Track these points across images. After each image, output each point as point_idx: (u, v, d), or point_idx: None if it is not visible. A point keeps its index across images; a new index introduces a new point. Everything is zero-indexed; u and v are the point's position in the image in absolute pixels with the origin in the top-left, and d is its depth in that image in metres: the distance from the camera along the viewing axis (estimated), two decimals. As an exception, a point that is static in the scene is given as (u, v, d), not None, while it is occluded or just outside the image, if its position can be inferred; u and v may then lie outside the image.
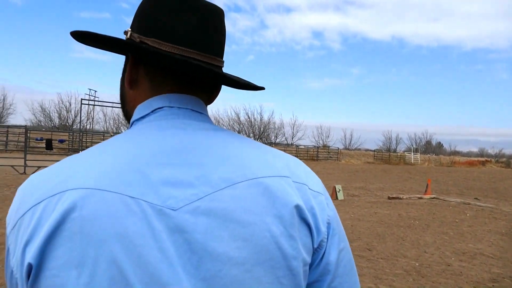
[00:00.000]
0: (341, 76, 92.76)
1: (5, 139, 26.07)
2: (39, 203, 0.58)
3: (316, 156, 41.20)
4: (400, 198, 12.79)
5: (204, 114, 0.75)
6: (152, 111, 0.71)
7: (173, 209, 0.58)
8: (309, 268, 0.67)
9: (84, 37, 0.71)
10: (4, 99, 48.77)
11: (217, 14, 0.74)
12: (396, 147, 74.18)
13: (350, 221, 8.48)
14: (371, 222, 8.55)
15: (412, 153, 50.51)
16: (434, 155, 62.21)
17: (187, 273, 0.56)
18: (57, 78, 76.87)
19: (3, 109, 48.98)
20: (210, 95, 0.79)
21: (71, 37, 0.72)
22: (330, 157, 42.46)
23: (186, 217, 0.58)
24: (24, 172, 14.48)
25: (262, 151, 0.71)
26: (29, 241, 0.56)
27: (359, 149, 66.70)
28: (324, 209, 0.69)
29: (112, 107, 18.76)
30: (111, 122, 52.54)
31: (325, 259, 0.68)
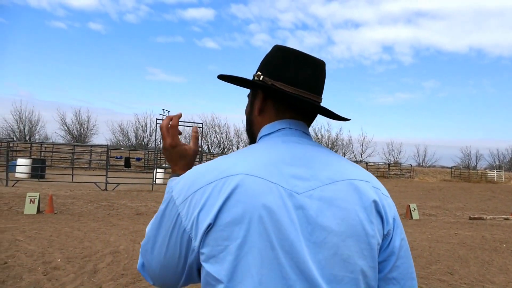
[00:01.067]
0: (413, 90, 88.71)
1: (88, 157, 28.32)
2: (210, 183, 0.86)
3: (387, 173, 39.50)
4: (483, 219, 11.76)
5: (309, 135, 1.05)
6: (277, 130, 1.01)
7: (297, 193, 0.86)
8: (380, 249, 0.91)
9: (228, 79, 1.05)
10: (88, 120, 53.08)
11: (322, 66, 1.05)
12: (476, 164, 68.61)
13: (427, 242, 7.95)
14: (451, 244, 7.93)
15: (495, 170, 46.34)
16: (521, 172, 56.55)
17: (304, 237, 0.83)
18: (134, 100, 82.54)
19: (87, 129, 53.33)
20: (311, 121, 1.10)
21: (218, 79, 1.06)
22: (402, 174, 40.46)
23: (305, 199, 0.86)
24: (106, 189, 15.55)
25: (349, 162, 1.00)
26: (202, 209, 0.84)
27: (434, 166, 62.72)
28: (391, 208, 0.95)
29: (184, 126, 19.60)
30: (182, 141, 54.98)
31: (392, 244, 0.92)
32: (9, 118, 47.41)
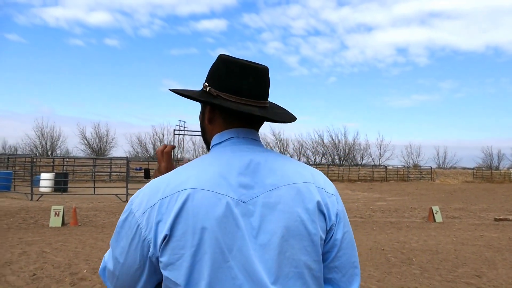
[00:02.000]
0: (430, 92, 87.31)
1: (109, 170, 28.78)
2: (165, 197, 0.94)
3: (407, 176, 38.88)
4: (509, 220, 11.46)
5: (258, 140, 1.12)
6: (226, 139, 1.08)
7: (243, 201, 0.95)
8: (324, 243, 1.02)
9: (179, 93, 1.11)
10: (107, 134, 54.09)
11: (265, 72, 1.10)
12: (499, 164, 66.93)
13: (452, 245, 7.79)
14: (477, 246, 7.76)
15: (519, 169, 45.21)
16: (546, 171, 54.89)
17: (250, 241, 0.93)
18: (151, 112, 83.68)
19: (106, 143, 54.29)
20: (259, 127, 1.16)
21: (170, 91, 1.14)
22: (422, 177, 39.75)
23: (250, 207, 0.95)
24: (126, 200, 15.76)
25: (295, 165, 1.08)
26: (160, 221, 0.93)
27: (455, 168, 61.47)
28: (334, 205, 1.05)
29: (200, 136, 19.75)
30: (199, 150, 55.32)
31: (334, 237, 1.03)
32: (31, 135, 48.75)
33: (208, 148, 1.16)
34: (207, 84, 1.09)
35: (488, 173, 42.11)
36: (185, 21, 78.40)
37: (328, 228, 1.02)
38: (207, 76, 1.12)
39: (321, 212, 1.00)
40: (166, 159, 1.30)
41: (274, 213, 0.96)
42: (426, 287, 5.09)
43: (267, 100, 1.13)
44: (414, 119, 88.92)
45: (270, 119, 1.10)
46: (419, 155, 62.42)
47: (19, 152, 46.93)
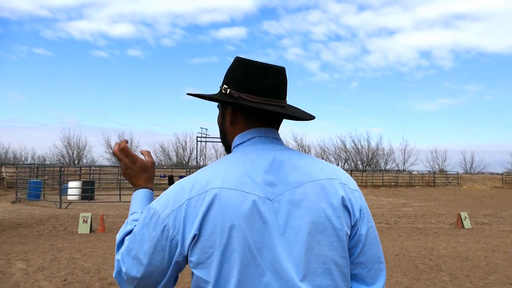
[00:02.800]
0: (456, 95, 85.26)
1: (133, 177, 29.22)
2: (193, 197, 0.97)
3: (432, 182, 38.00)
4: (543, 226, 11.05)
5: (280, 139, 1.14)
6: (248, 139, 1.10)
7: (269, 199, 0.97)
8: (349, 238, 1.02)
9: (199, 96, 1.15)
10: (131, 143, 55.02)
11: (282, 72, 1.13)
12: (530, 168, 64.64)
13: (483, 252, 7.57)
14: (509, 253, 7.52)
15: (552, 174, 43.55)
16: None
17: (277, 238, 0.94)
18: (173, 120, 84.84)
19: (130, 151, 55.11)
20: (279, 126, 1.18)
21: (187, 95, 1.16)
22: (449, 182, 38.78)
23: (276, 204, 0.97)
24: (151, 207, 15.96)
25: (318, 162, 1.09)
26: (188, 221, 0.95)
27: (483, 173, 59.62)
28: (357, 201, 1.06)
29: (220, 139, 19.86)
30: (221, 157, 55.54)
31: (358, 232, 1.04)
32: (59, 145, 50.33)
33: (228, 151, 1.18)
34: (226, 86, 1.10)
35: (518, 178, 40.68)
36: (205, 30, 79.33)
37: (352, 224, 1.03)
38: (225, 78, 1.14)
39: (346, 207, 1.01)
40: (126, 153, 1.27)
41: (300, 209, 0.97)
42: (457, 295, 4.97)
43: (286, 99, 1.15)
44: (439, 123, 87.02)
45: (292, 116, 1.12)
46: (445, 160, 61.00)
47: (47, 162, 48.37)
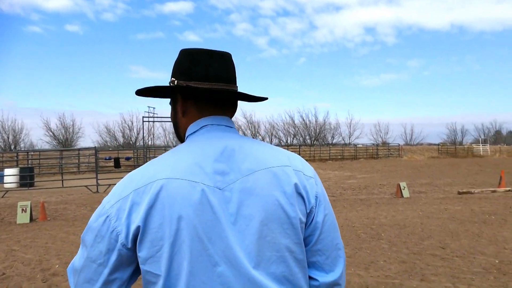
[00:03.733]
0: (398, 71, 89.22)
1: (77, 161, 28.05)
2: (139, 188, 0.94)
3: (376, 154, 39.93)
4: (472, 193, 12.05)
5: (233, 127, 1.12)
6: (200, 128, 1.08)
7: (220, 188, 0.95)
8: (305, 226, 1.02)
9: (146, 92, 1.12)
10: (73, 124, 52.42)
11: (228, 57, 1.12)
12: (462, 139, 69.69)
13: (419, 219, 8.13)
14: (441, 219, 8.13)
15: (481, 144, 47.17)
16: (505, 145, 57.54)
17: (229, 227, 0.93)
18: (119, 100, 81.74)
19: (73, 133, 52.66)
20: (232, 113, 1.17)
21: (135, 95, 1.14)
22: (390, 154, 40.91)
23: (227, 193, 0.95)
24: (97, 191, 15.47)
25: (271, 149, 1.07)
26: (132, 211, 0.92)
27: (422, 144, 63.52)
28: (313, 188, 1.04)
29: (170, 121, 19.49)
30: (170, 136, 54.59)
31: (315, 219, 1.03)
32: (-9, 129, 46.58)
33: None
34: (174, 79, 1.09)
35: (452, 149, 43.94)
36: (149, 4, 76.42)
37: (308, 211, 1.02)
38: (172, 72, 1.12)
39: (300, 194, 1.00)
40: None
41: (252, 198, 0.95)
42: (394, 260, 5.32)
43: (236, 84, 1.13)
44: (382, 97, 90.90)
45: (243, 96, 1.11)
46: (387, 133, 64.29)
47: (-20, 148, 44.91)
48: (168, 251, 0.90)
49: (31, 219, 9.39)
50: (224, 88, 1.07)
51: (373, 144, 51.25)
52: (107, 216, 0.95)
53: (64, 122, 51.44)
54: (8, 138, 47.57)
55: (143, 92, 1.13)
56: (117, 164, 20.39)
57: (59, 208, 11.27)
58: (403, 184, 11.94)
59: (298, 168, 1.05)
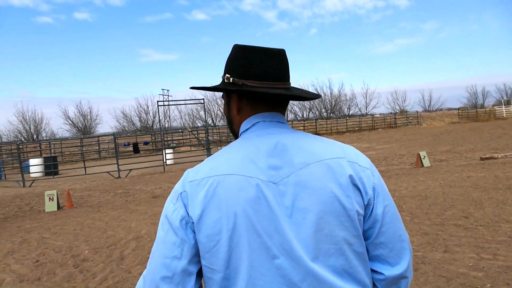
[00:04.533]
0: (413, 35, 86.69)
1: (97, 148, 28.58)
2: (195, 182, 0.99)
3: (394, 123, 39.35)
4: (495, 158, 11.81)
5: (284, 123, 1.14)
6: (252, 125, 1.11)
7: (274, 183, 0.97)
8: (364, 219, 1.01)
9: (203, 89, 1.14)
10: (90, 111, 53.07)
11: (283, 54, 1.12)
12: (484, 102, 67.83)
13: (440, 189, 8.05)
14: (464, 187, 8.03)
15: (503, 106, 45.88)
16: (529, 105, 55.70)
17: (284, 220, 0.94)
18: (132, 84, 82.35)
19: (91, 120, 53.44)
20: (285, 108, 1.19)
21: (191, 89, 1.21)
22: (409, 122, 40.28)
23: (281, 187, 0.97)
24: (119, 176, 15.81)
25: (324, 142, 1.07)
26: (189, 207, 0.97)
27: (441, 110, 62.20)
28: (369, 179, 1.03)
29: (185, 104, 19.55)
30: (186, 117, 54.85)
31: (374, 212, 1.02)
32: (13, 120, 47.90)
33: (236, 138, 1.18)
34: (229, 75, 1.10)
35: (473, 113, 42.75)
36: (156, -14, 75.36)
37: (365, 203, 1.01)
38: (226, 67, 1.13)
39: (355, 186, 0.99)
40: None
41: (306, 191, 0.96)
42: (416, 232, 5.31)
43: (289, 81, 1.15)
44: (398, 64, 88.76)
45: (297, 97, 1.13)
46: (405, 100, 63.01)
47: (4, 140, 46.17)
48: (226, 245, 0.93)
49: (58, 207, 9.70)
50: (282, 92, 1.07)
51: (391, 113, 50.40)
52: (176, 209, 0.99)
53: (81, 110, 52.18)
54: (30, 128, 48.70)
55: (200, 88, 1.16)
56: (136, 149, 20.67)
57: (84, 195, 11.59)
58: (423, 153, 11.79)
59: (353, 160, 1.04)
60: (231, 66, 1.11)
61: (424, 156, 11.70)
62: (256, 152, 1.01)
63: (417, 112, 45.36)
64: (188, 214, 0.97)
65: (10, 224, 8.28)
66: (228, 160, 1.01)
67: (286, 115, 1.20)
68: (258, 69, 1.07)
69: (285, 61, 1.13)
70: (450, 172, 10.13)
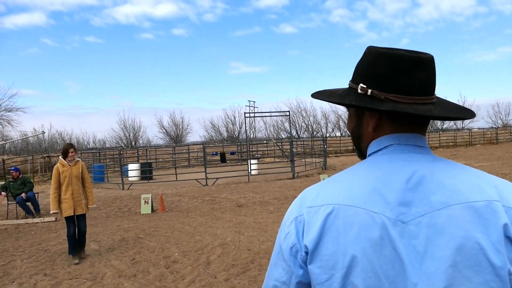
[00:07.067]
0: (518, 42, 78.50)
1: (187, 156, 30.30)
2: (313, 208, 0.88)
3: (495, 138, 35.84)
4: None
5: (425, 147, 0.94)
6: (384, 147, 0.93)
7: (403, 222, 0.81)
8: None
9: (325, 98, 0.99)
10: (182, 121, 56.78)
11: (432, 62, 0.93)
12: None
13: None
14: None
15: None
16: None
17: (413, 267, 0.79)
18: (221, 95, 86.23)
19: (182, 129, 57.05)
20: (426, 127, 0.97)
21: (311, 97, 1.03)
22: (513, 138, 36.40)
23: (412, 228, 0.81)
24: (206, 184, 16.58)
25: (473, 177, 0.86)
26: (304, 233, 0.87)
27: (553, 125, 55.19)
28: None
29: (271, 115, 19.92)
30: (271, 129, 55.81)
31: None
32: (116, 128, 53.09)
33: (361, 157, 1.03)
34: (365, 86, 0.91)
35: None
36: (246, 1, 78.56)
37: None
38: (359, 75, 0.95)
39: (509, 239, 0.79)
40: None
41: (443, 237, 0.79)
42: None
43: (435, 93, 0.95)
44: (501, 74, 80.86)
45: (450, 118, 0.93)
46: (508, 114, 56.98)
47: (107, 145, 51.29)
48: (340, 282, 0.83)
49: (152, 209, 10.48)
50: (428, 102, 0.90)
51: (492, 127, 46.00)
52: (288, 233, 0.91)
53: (174, 120, 56.00)
54: (129, 135, 53.47)
55: (321, 97, 1.01)
56: (223, 159, 21.50)
57: (174, 200, 12.38)
58: (530, 174, 10.57)
59: (510, 204, 0.82)
60: (368, 75, 0.92)
61: (532, 177, 10.48)
62: (385, 182, 0.86)
63: (524, 127, 40.78)
64: (299, 241, 0.89)
65: (111, 223, 9.15)
66: (351, 187, 0.88)
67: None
68: (405, 79, 0.88)
69: (434, 71, 0.93)
70: None
